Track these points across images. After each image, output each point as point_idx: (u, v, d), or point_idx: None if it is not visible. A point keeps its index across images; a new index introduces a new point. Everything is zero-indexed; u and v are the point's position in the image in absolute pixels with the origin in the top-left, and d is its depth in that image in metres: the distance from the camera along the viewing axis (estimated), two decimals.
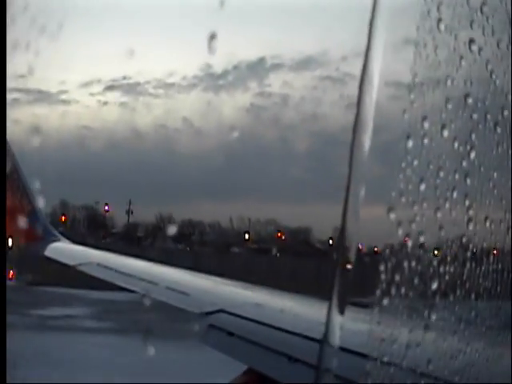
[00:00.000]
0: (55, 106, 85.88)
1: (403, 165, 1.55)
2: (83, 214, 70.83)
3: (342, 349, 1.50)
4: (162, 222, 67.19)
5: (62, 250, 7.64)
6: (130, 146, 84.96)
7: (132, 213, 67.57)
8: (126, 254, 7.44)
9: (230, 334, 4.44)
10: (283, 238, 69.41)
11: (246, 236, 69.10)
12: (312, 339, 3.83)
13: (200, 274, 6.13)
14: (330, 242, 61.61)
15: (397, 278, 1.60)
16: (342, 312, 1.30)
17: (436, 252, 1.80)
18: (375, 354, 1.65)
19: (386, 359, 1.66)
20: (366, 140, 1.31)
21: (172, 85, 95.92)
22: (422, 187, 1.63)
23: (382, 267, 1.57)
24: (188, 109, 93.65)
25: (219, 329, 4.56)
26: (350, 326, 1.41)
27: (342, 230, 1.29)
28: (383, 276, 1.57)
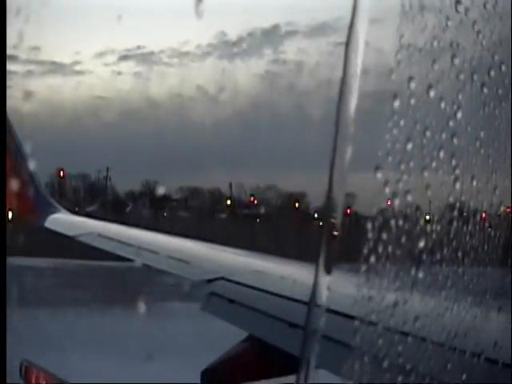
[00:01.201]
0: (69, 76, 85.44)
1: (390, 125, 1.56)
2: (93, 183, 70.55)
3: (329, 310, 1.52)
4: (168, 190, 67.32)
5: (62, 221, 7.66)
6: (144, 115, 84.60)
7: (110, 179, 67.32)
8: (126, 224, 7.46)
9: (231, 301, 4.48)
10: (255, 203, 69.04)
11: (253, 200, 68.79)
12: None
13: (200, 241, 6.16)
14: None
15: (384, 237, 1.62)
16: (328, 273, 1.32)
17: (424, 214, 1.82)
18: (362, 313, 1.68)
19: (373, 319, 1.69)
20: (353, 101, 1.32)
21: (186, 53, 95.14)
22: (409, 147, 1.64)
23: (369, 227, 1.59)
24: (202, 77, 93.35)
25: (220, 296, 4.59)
26: (337, 287, 1.43)
27: (329, 193, 1.30)
28: (370, 236, 1.59)
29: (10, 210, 7.50)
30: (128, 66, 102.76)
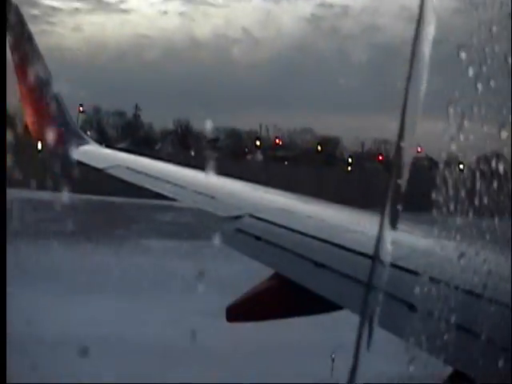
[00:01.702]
0: (114, 14, 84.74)
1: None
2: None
3: (392, 265, 1.50)
4: (204, 130, 67.25)
5: (91, 153, 7.64)
6: (188, 55, 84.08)
7: (140, 116, 67.03)
8: (156, 158, 7.42)
9: (257, 238, 4.48)
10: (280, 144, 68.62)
11: (278, 141, 68.41)
12: (338, 245, 3.86)
13: (226, 178, 6.10)
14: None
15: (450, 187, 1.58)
16: (393, 227, 1.30)
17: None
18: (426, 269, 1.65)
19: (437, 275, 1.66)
20: (426, 51, 1.27)
21: None
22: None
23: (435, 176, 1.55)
24: (248, 19, 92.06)
25: (246, 233, 4.59)
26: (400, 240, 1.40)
27: (399, 142, 1.26)
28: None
29: (39, 140, 7.53)
30: (173, 6, 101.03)
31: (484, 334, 1.83)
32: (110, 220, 31.41)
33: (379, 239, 1.32)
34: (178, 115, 67.33)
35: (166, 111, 66.68)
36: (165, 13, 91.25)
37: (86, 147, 7.80)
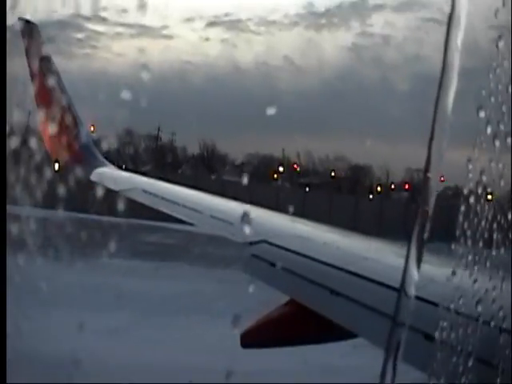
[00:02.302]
0: (157, 40, 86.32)
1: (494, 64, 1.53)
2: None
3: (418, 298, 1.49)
4: (240, 154, 67.99)
5: (108, 175, 7.69)
6: (230, 81, 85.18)
7: (161, 139, 67.67)
8: (175, 183, 7.44)
9: (272, 264, 4.48)
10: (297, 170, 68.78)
11: (296, 167, 68.60)
12: (354, 274, 3.86)
13: (245, 204, 6.13)
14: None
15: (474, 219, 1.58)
16: (419, 263, 1.28)
17: None
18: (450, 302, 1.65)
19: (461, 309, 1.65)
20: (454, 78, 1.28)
21: (274, 22, 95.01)
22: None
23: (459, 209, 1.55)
24: (289, 47, 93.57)
25: (262, 259, 4.59)
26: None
27: (425, 174, 1.26)
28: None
29: (56, 161, 7.60)
30: (216, 32, 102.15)
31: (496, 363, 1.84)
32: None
33: (405, 271, 1.31)
34: (214, 140, 68.11)
35: (204, 136, 67.50)
36: (207, 39, 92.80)
37: (102, 169, 7.87)
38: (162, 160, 65.07)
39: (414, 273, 1.30)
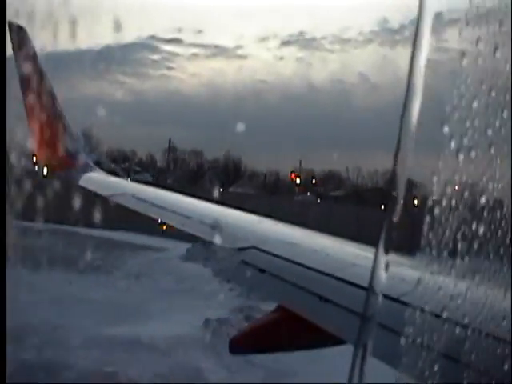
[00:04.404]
0: (232, 60, 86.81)
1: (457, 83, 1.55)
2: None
3: (386, 296, 1.50)
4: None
5: (97, 180, 7.68)
6: (305, 100, 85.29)
7: (173, 151, 67.74)
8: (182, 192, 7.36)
9: (262, 270, 4.47)
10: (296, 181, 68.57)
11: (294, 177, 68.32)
12: (343, 280, 3.85)
13: (239, 211, 6.10)
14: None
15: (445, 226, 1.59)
16: (386, 267, 1.30)
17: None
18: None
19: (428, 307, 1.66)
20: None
21: (348, 40, 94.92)
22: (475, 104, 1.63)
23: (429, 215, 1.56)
24: (364, 64, 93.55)
25: (250, 265, 4.58)
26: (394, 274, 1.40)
27: (392, 180, 1.27)
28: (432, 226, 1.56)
29: (45, 165, 7.60)
30: (290, 51, 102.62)
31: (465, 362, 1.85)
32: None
33: (373, 272, 1.32)
34: (286, 158, 67.94)
35: (277, 155, 67.58)
36: (281, 58, 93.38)
37: (91, 174, 7.85)
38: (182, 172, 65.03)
39: (382, 272, 1.32)
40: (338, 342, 3.73)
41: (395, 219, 1.32)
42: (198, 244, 24.83)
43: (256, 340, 4.60)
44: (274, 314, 4.45)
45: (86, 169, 7.92)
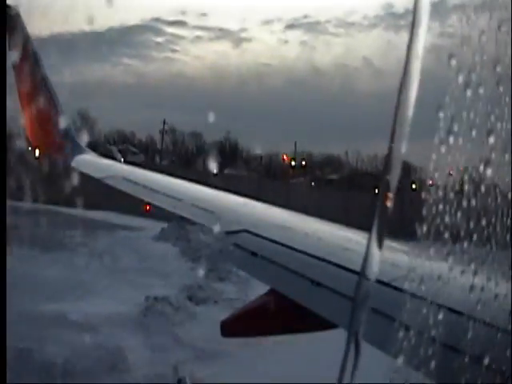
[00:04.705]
0: (236, 43, 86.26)
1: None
2: None
3: (379, 281, 1.49)
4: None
5: (89, 162, 7.66)
6: (309, 83, 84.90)
7: (166, 132, 67.58)
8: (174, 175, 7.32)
9: (254, 254, 4.46)
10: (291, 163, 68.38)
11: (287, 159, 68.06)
12: (334, 264, 3.84)
13: (230, 193, 6.08)
14: None
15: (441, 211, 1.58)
16: (380, 246, 1.29)
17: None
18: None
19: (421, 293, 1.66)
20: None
21: (352, 24, 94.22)
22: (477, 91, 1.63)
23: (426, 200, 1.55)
24: (368, 48, 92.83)
25: (242, 248, 4.57)
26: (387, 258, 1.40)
27: (386, 163, 1.26)
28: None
29: (37, 147, 7.58)
30: (294, 35, 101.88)
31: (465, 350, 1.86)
32: None
33: (366, 257, 1.31)
34: (287, 142, 67.59)
35: (275, 138, 67.37)
36: (286, 42, 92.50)
37: (83, 156, 7.82)
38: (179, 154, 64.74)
39: (374, 257, 1.30)
40: (329, 326, 3.73)
41: (389, 203, 1.30)
42: (172, 223, 24.83)
43: (247, 323, 4.60)
44: (265, 298, 4.45)
45: (78, 151, 7.90)
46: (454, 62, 1.61)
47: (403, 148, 1.30)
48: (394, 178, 1.30)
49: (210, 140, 67.70)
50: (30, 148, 7.89)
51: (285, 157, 67.96)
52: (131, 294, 17.10)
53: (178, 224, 24.44)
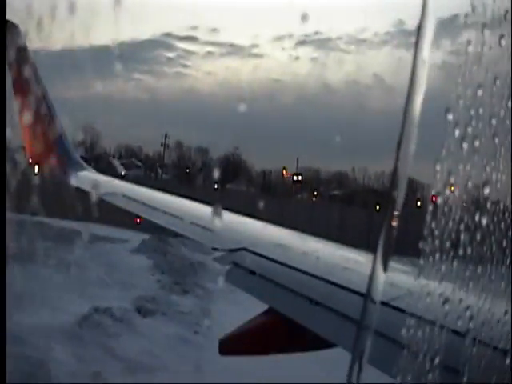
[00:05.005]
0: (247, 59, 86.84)
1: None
2: None
3: (384, 303, 1.49)
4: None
5: (88, 179, 7.65)
6: (320, 100, 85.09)
7: (168, 147, 67.71)
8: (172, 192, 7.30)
9: (252, 272, 4.46)
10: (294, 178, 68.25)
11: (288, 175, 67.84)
12: (333, 283, 3.84)
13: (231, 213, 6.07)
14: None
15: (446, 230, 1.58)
16: (385, 268, 1.28)
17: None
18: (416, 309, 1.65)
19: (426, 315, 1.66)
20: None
21: (364, 41, 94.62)
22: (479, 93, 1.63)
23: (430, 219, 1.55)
24: (379, 65, 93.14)
25: (241, 267, 4.57)
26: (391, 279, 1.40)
27: (392, 183, 1.26)
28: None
29: (36, 164, 7.58)
30: (305, 51, 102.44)
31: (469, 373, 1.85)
32: None
33: (371, 279, 1.31)
34: (291, 159, 67.58)
35: (284, 154, 67.41)
36: (297, 58, 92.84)
37: (82, 173, 7.82)
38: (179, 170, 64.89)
39: (380, 279, 1.30)
40: (327, 345, 3.72)
41: (394, 223, 1.30)
42: (153, 236, 24.62)
43: (245, 342, 4.59)
44: (263, 317, 4.44)
45: (77, 167, 7.90)
46: (461, 81, 1.61)
47: (408, 166, 1.30)
48: (400, 196, 1.30)
49: (217, 155, 68.03)
50: (29, 164, 7.90)
51: (284, 172, 68.09)
52: (81, 306, 16.77)
53: (158, 237, 24.30)
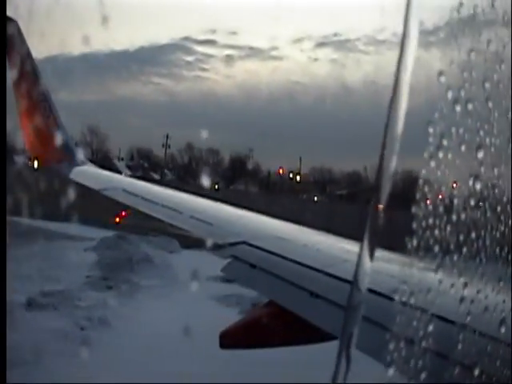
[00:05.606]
0: (266, 61, 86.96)
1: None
2: None
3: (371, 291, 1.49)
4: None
5: (88, 174, 7.65)
6: (339, 101, 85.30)
7: (169, 147, 67.85)
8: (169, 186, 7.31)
9: (252, 266, 4.45)
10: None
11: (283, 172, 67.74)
12: (333, 276, 3.83)
13: (228, 205, 6.07)
14: None
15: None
16: (372, 257, 1.29)
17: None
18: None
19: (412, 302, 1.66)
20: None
21: (383, 41, 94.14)
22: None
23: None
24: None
25: (241, 260, 4.56)
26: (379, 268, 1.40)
27: (378, 175, 1.26)
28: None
29: (36, 158, 7.59)
30: (324, 53, 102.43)
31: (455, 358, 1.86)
32: None
33: (358, 267, 1.31)
34: (308, 159, 67.45)
35: (301, 154, 67.36)
36: (316, 60, 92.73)
37: (82, 167, 7.82)
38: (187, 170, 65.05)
39: (366, 267, 1.30)
40: (328, 337, 3.72)
41: (380, 214, 1.31)
42: (115, 234, 24.29)
43: (246, 335, 4.58)
44: (264, 310, 4.44)
45: (77, 162, 7.89)
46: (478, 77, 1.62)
47: (394, 161, 1.30)
48: (384, 190, 1.31)
49: (228, 157, 68.29)
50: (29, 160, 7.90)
51: (281, 170, 67.97)
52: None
53: (118, 235, 23.90)
